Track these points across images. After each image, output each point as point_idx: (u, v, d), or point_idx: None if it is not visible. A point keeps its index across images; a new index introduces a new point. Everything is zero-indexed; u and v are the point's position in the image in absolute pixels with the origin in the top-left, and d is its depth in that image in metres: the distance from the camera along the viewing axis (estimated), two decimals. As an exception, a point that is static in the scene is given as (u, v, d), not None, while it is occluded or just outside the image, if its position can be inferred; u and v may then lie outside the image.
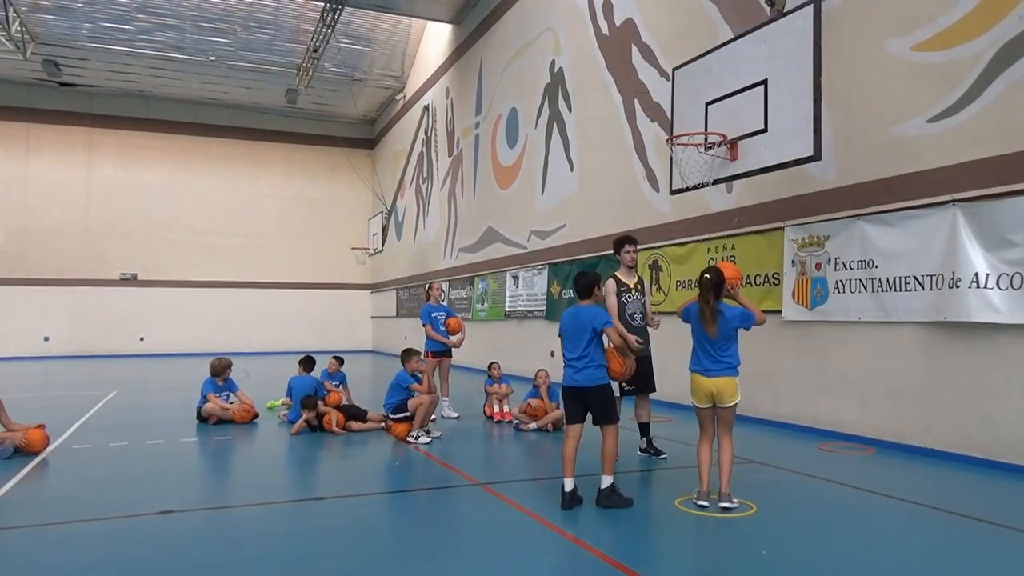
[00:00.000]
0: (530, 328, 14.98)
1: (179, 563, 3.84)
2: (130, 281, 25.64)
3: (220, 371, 9.21)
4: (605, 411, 4.96)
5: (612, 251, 6.86)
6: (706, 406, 5.01)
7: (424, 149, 22.95)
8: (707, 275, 4.94)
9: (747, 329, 5.03)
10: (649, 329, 6.72)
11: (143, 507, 4.91)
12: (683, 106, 8.16)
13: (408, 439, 7.55)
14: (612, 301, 6.45)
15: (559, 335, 5.17)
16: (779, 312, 8.32)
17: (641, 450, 6.73)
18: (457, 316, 9.67)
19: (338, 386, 9.69)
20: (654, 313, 6.90)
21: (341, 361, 10.19)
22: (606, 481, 4.88)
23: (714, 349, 4.93)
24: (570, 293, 13.14)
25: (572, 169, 13.39)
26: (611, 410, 5.00)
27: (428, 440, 7.55)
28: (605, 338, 4.98)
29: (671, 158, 8.27)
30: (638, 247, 6.80)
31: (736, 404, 4.94)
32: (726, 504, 4.77)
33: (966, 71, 6.39)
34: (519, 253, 15.62)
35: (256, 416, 9.15)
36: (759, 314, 5.07)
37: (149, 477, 6.04)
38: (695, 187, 7.92)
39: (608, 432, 4.94)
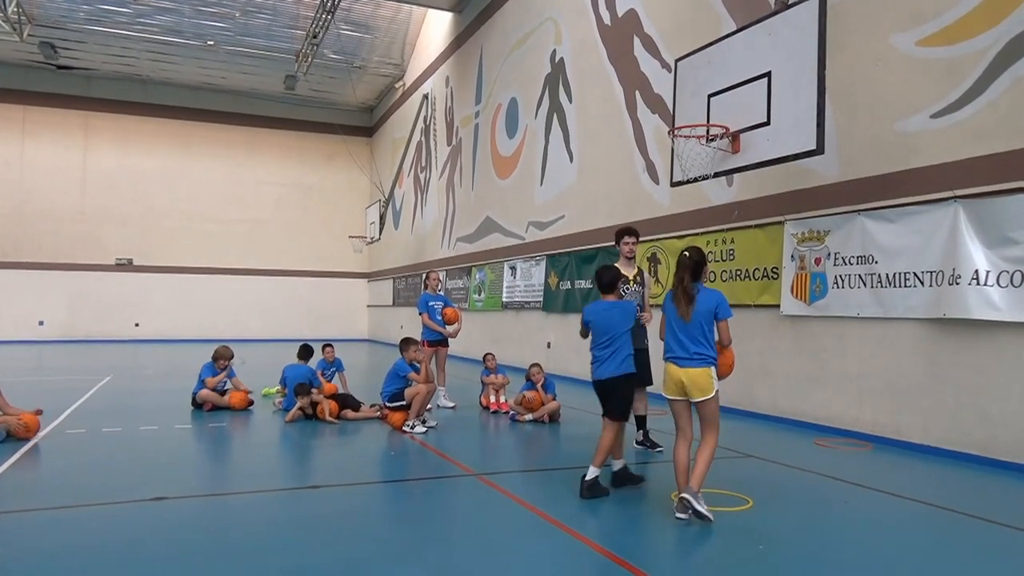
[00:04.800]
0: (527, 319, 14.95)
1: (172, 550, 3.81)
2: (126, 266, 25.53)
3: (218, 357, 9.17)
4: (619, 405, 5.03)
5: (613, 242, 6.82)
6: (677, 398, 4.59)
7: (423, 138, 22.84)
8: (686, 252, 4.58)
9: (718, 320, 4.55)
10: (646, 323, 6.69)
11: (136, 493, 4.88)
12: (685, 98, 8.10)
13: (404, 428, 7.53)
14: None
15: (588, 326, 5.17)
16: (777, 307, 8.30)
17: (637, 443, 6.72)
18: (454, 306, 9.63)
19: (333, 374, 9.66)
20: (651, 306, 6.86)
21: (333, 347, 10.17)
22: (592, 472, 4.93)
23: (686, 336, 4.50)
24: (567, 284, 13.11)
25: (572, 160, 13.32)
26: (626, 406, 5.10)
27: (424, 430, 7.53)
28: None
29: (672, 150, 8.22)
30: (638, 239, 6.77)
31: (714, 397, 4.47)
32: (688, 502, 4.24)
33: (971, 67, 6.34)
34: (517, 244, 15.57)
35: (251, 403, 9.13)
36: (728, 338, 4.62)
37: (143, 463, 6.00)
38: (696, 179, 7.88)
39: (610, 426, 5.03)
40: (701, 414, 4.53)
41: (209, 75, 25.37)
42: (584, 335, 5.28)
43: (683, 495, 4.30)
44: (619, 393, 5.03)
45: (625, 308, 5.13)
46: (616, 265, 6.55)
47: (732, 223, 9.13)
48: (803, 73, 6.64)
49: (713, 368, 4.49)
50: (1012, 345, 5.96)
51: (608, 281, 5.19)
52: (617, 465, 5.22)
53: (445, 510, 4.80)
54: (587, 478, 4.88)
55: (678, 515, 4.33)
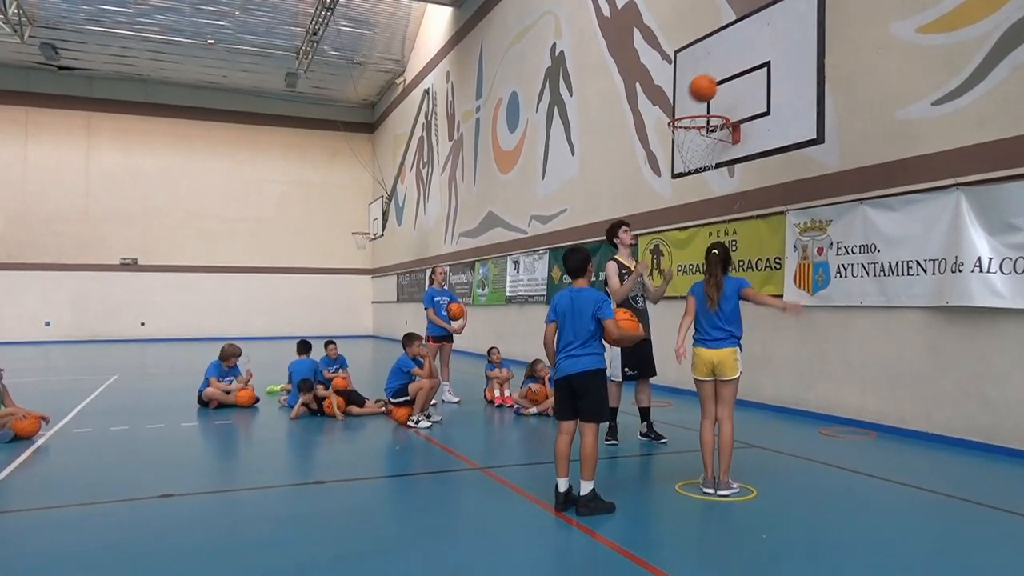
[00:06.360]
0: (531, 313, 14.95)
1: (179, 546, 3.84)
2: (130, 266, 25.63)
3: (226, 357, 9.21)
4: (595, 404, 4.45)
5: (606, 238, 6.80)
6: (707, 379, 4.94)
7: (424, 133, 22.83)
8: (715, 251, 4.97)
9: (743, 293, 4.94)
10: (650, 314, 6.70)
11: (143, 491, 4.92)
12: (685, 89, 8.08)
13: (408, 423, 7.56)
14: (615, 282, 6.39)
15: (553, 319, 4.63)
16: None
17: (642, 435, 6.74)
18: (459, 302, 9.64)
19: (337, 370, 9.69)
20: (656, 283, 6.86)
21: (336, 344, 10.19)
22: (586, 487, 4.34)
23: (717, 320, 4.89)
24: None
25: (573, 153, 13.31)
26: (603, 405, 4.53)
27: (428, 424, 7.56)
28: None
29: (673, 142, 8.21)
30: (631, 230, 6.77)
31: (736, 380, 4.87)
32: (724, 492, 4.76)
33: (971, 53, 6.31)
34: (520, 238, 15.58)
35: (256, 400, 9.17)
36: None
37: (149, 461, 6.04)
38: (697, 171, 7.88)
39: (590, 431, 4.42)
40: (721, 395, 4.92)
41: (210, 74, 25.38)
42: (550, 337, 4.64)
43: (719, 491, 4.78)
44: (593, 391, 4.44)
45: (595, 295, 4.55)
46: (618, 257, 6.60)
47: (734, 214, 9.12)
48: (803, 62, 6.62)
49: (739, 349, 4.89)
50: (1015, 332, 5.95)
51: (576, 264, 4.72)
52: (586, 488, 4.35)
53: (450, 504, 4.83)
54: (582, 494, 4.32)
55: (705, 490, 4.84)
